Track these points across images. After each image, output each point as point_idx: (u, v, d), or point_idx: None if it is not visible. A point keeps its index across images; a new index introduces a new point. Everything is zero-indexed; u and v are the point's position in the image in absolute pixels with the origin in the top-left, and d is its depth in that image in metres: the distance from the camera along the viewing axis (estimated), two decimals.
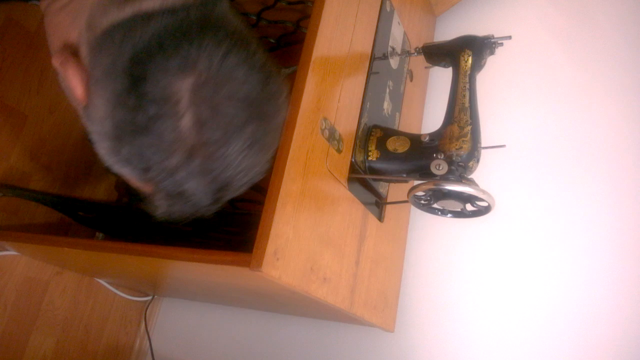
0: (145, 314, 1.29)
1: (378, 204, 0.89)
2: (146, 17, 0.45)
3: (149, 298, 1.30)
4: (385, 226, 0.89)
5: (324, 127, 0.69)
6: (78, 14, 0.51)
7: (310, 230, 0.65)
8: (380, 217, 0.88)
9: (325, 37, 0.69)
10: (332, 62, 0.71)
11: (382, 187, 0.89)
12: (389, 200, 0.91)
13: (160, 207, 0.47)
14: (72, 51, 0.51)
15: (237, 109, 0.45)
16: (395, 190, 0.92)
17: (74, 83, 0.49)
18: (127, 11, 0.46)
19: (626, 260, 0.89)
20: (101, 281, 1.21)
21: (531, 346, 0.90)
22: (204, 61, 0.44)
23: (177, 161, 0.44)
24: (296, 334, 1.08)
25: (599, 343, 0.86)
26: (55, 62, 0.50)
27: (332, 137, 0.71)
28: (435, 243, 1.04)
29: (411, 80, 1.02)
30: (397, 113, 0.94)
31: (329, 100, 0.70)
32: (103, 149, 0.47)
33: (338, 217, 0.73)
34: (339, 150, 0.73)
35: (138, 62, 0.44)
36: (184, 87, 0.43)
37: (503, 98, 1.08)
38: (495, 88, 1.08)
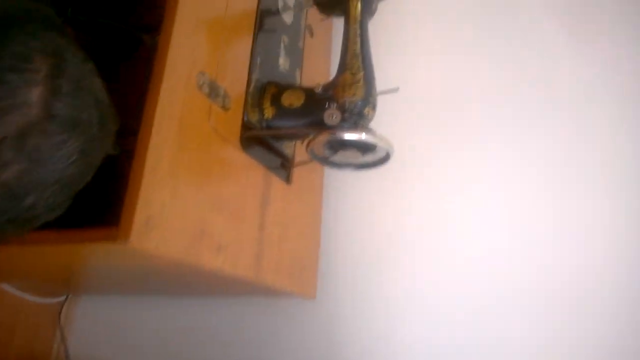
0: (60, 316, 1.19)
1: (284, 166, 0.84)
2: None
3: (63, 298, 1.20)
4: (293, 188, 0.85)
5: (202, 82, 0.63)
6: None
7: (195, 194, 0.60)
8: (287, 179, 0.83)
9: None
10: (207, 15, 0.65)
11: (287, 148, 0.84)
12: (297, 160, 0.86)
13: None
14: None
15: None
16: (304, 150, 0.88)
17: None
18: None
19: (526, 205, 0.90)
20: (4, 285, 1.10)
21: (456, 305, 0.89)
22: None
23: None
24: (218, 316, 1.01)
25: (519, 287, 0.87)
26: None
27: (215, 93, 0.65)
28: (354, 202, 1.00)
29: (311, 36, 0.97)
30: (297, 69, 0.89)
31: (206, 54, 0.64)
32: None
33: (232, 180, 0.68)
34: (225, 108, 0.67)
35: None
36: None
37: (406, 45, 1.06)
38: (401, 35, 1.06)
